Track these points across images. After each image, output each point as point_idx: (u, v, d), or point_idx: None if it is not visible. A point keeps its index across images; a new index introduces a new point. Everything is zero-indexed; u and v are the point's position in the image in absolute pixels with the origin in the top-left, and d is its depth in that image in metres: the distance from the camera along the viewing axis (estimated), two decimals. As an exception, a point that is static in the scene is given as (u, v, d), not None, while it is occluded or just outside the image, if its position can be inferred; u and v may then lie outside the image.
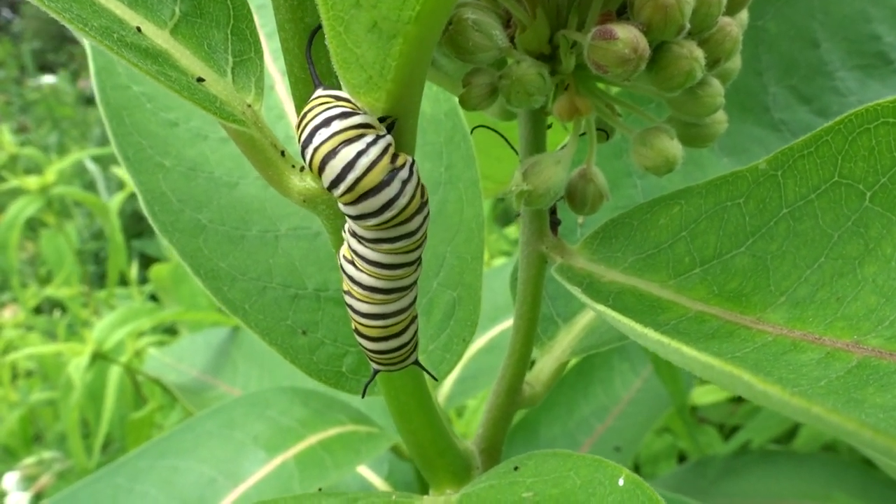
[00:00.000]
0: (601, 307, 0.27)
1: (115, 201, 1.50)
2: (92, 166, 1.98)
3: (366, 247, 0.26)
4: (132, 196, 1.75)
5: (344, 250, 0.27)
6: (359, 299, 0.27)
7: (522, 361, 0.36)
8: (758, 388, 0.19)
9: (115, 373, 1.10)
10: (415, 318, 0.29)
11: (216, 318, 1.16)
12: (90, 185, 2.35)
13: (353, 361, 0.38)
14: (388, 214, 0.24)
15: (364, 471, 0.77)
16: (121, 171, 1.68)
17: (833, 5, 0.38)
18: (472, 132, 0.41)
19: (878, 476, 0.94)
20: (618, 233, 0.32)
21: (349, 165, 0.23)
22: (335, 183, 0.23)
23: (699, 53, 0.26)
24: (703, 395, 1.23)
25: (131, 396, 1.26)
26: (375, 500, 0.33)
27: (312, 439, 0.61)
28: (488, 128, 0.37)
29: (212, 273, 0.37)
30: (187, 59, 0.28)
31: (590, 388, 0.96)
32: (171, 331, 1.66)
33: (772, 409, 0.20)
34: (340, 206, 0.24)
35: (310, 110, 0.24)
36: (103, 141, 3.14)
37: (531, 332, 0.35)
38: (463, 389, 0.76)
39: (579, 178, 0.32)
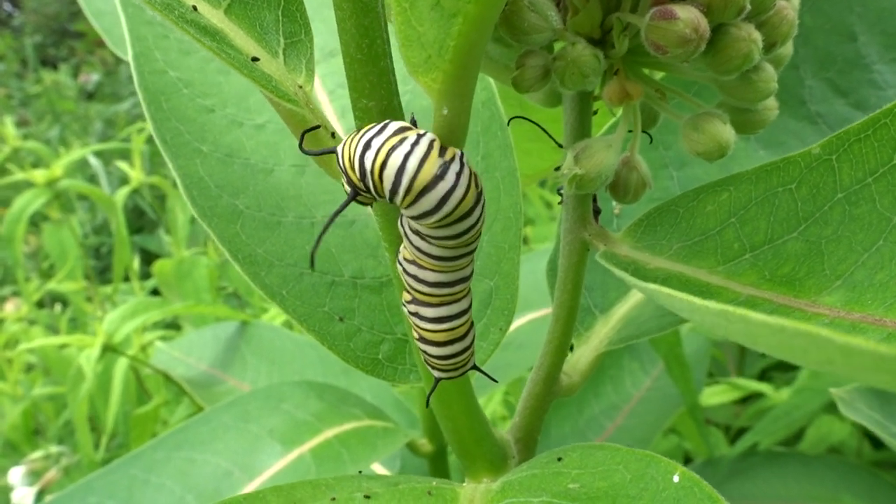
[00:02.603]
0: (653, 286, 0.26)
1: (121, 195, 1.49)
2: (94, 161, 1.97)
3: (430, 243, 0.26)
4: (133, 192, 1.74)
5: (403, 253, 0.27)
6: (424, 302, 0.27)
7: (561, 350, 0.36)
8: (838, 342, 0.18)
9: (121, 366, 1.09)
10: (472, 323, 0.29)
11: (223, 312, 1.15)
12: (91, 180, 2.34)
13: (389, 349, 0.38)
14: (446, 209, 0.24)
15: (375, 466, 0.77)
16: (123, 166, 1.67)
17: (872, -2, 0.38)
18: (508, 123, 0.41)
19: (885, 479, 0.94)
20: (662, 220, 0.32)
21: (401, 169, 0.23)
22: (394, 190, 0.23)
23: (757, 36, 0.26)
24: (709, 397, 1.22)
25: (135, 391, 1.25)
26: (416, 484, 0.32)
27: (328, 433, 0.61)
28: (526, 118, 0.37)
29: (249, 258, 0.37)
30: (241, 39, 0.27)
31: (600, 387, 0.96)
32: (173, 326, 1.65)
33: (846, 372, 0.19)
34: (403, 213, 0.24)
35: (344, 151, 0.25)
36: (104, 136, 3.13)
37: (571, 321, 0.35)
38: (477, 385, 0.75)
39: (622, 165, 0.31)
